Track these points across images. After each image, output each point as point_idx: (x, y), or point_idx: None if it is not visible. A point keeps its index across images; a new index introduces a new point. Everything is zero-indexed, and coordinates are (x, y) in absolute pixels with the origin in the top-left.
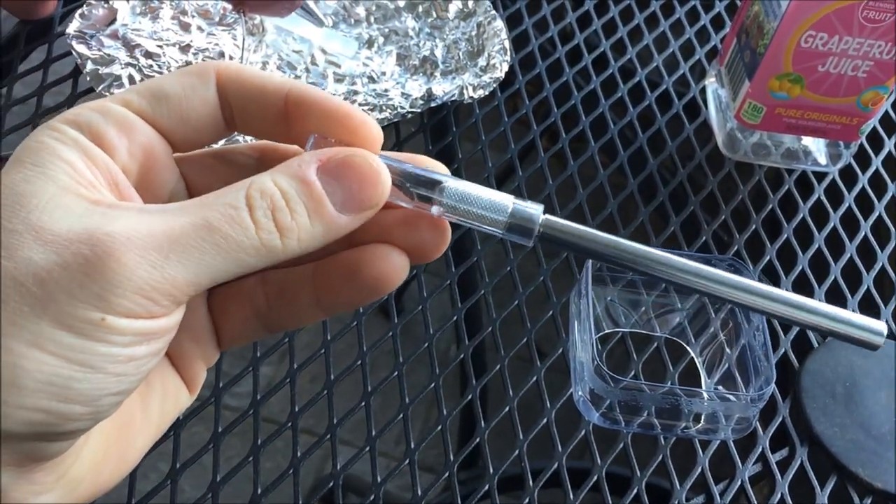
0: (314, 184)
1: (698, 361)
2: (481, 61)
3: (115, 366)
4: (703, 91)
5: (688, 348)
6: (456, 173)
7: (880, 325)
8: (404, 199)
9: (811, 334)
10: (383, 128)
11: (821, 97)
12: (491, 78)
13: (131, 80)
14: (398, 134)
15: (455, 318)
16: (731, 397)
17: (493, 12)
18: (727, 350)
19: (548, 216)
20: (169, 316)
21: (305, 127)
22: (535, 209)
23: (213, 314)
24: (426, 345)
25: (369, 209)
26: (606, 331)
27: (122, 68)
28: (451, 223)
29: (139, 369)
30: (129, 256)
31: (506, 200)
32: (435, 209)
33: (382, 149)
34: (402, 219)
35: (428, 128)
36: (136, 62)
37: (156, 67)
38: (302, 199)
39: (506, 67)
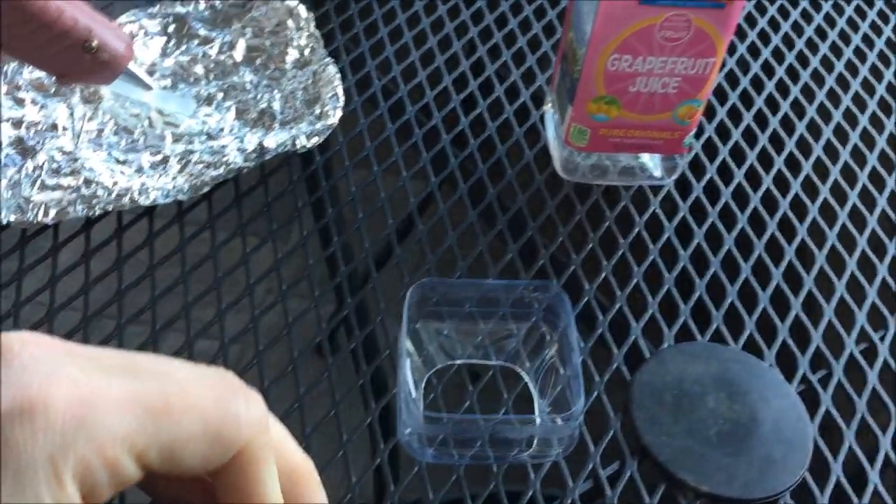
0: None
1: (531, 385)
2: (317, 109)
3: None
4: (542, 117)
5: (521, 373)
6: (285, 226)
7: None
8: None
9: (645, 347)
10: (220, 185)
11: (638, 115)
12: (324, 125)
13: None
14: (237, 189)
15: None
16: (550, 420)
17: (328, 59)
18: (560, 370)
19: None
20: None
21: None
22: None
23: None
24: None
25: None
26: (439, 365)
27: None
28: None
29: None
30: None
31: None
32: None
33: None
34: None
35: (268, 180)
36: None
37: None
38: None
39: (339, 114)
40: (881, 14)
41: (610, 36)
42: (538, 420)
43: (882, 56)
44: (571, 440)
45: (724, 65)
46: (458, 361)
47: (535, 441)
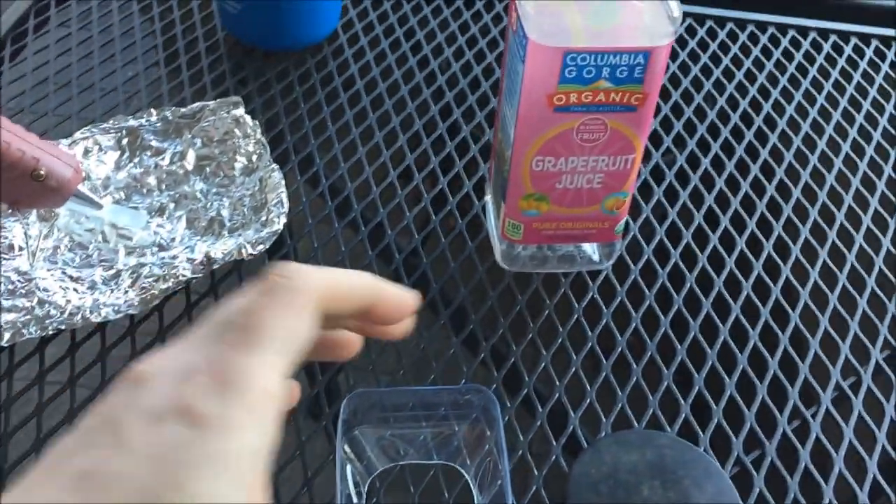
0: None
1: (472, 482)
2: (263, 216)
3: None
4: (484, 208)
5: (461, 471)
6: None
7: None
8: None
9: (582, 437)
10: (171, 296)
11: (568, 209)
12: (269, 232)
13: None
14: (188, 298)
15: None
16: None
17: (273, 166)
18: (499, 466)
19: None
20: None
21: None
22: None
23: None
24: None
25: None
26: (381, 468)
27: None
28: None
29: None
30: None
31: None
32: None
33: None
34: None
35: (217, 287)
36: None
37: None
38: None
39: (283, 220)
40: (814, 82)
41: (531, 140)
42: None
43: (815, 125)
44: None
45: (661, 143)
46: (402, 463)
47: None
